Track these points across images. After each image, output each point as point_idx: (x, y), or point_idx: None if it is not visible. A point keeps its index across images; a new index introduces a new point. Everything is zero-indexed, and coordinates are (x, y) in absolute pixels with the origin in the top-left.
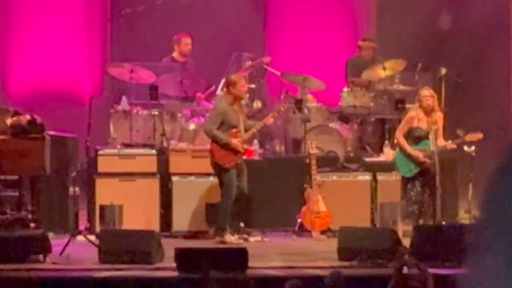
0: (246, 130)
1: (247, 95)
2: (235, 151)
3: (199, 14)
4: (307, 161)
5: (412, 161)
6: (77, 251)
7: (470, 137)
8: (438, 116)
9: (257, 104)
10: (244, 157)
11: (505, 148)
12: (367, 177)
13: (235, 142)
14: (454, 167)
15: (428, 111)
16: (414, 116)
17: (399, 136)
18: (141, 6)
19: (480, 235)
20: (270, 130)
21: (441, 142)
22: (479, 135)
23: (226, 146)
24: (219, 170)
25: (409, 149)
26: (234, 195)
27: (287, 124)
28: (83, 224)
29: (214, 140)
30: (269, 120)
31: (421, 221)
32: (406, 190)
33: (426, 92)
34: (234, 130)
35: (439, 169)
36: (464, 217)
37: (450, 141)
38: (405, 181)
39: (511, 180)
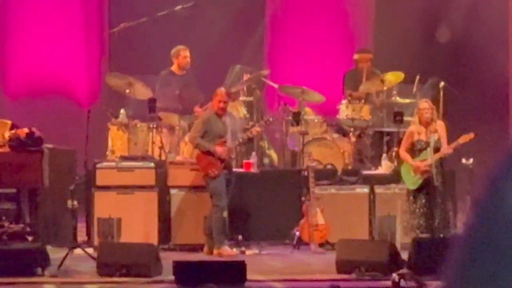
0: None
1: (223, 112)
2: (220, 159)
3: (198, 27)
4: (305, 174)
5: (416, 172)
6: (76, 264)
7: (463, 138)
8: (439, 124)
9: (258, 128)
10: (242, 170)
11: (501, 158)
12: (365, 190)
13: (218, 149)
14: (452, 180)
15: (427, 123)
16: (414, 131)
17: (402, 151)
18: (140, 19)
19: (464, 247)
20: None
21: (444, 149)
22: (471, 135)
23: (210, 154)
24: (206, 179)
25: (411, 161)
26: (225, 204)
27: (285, 136)
28: (81, 237)
29: (198, 148)
30: (256, 130)
31: (425, 235)
32: (410, 203)
33: (425, 105)
34: (220, 140)
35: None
36: None
37: (446, 146)
38: (411, 193)
39: (505, 190)
